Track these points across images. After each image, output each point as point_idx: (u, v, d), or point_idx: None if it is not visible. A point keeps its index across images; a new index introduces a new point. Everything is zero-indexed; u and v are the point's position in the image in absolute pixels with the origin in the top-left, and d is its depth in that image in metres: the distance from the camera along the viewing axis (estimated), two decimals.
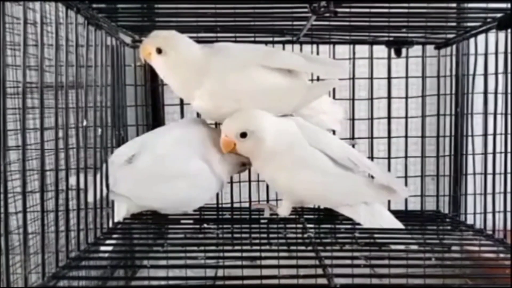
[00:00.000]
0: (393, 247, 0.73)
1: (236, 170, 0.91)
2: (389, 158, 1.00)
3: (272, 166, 0.81)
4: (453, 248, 0.73)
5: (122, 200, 0.82)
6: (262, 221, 0.86)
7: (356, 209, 0.82)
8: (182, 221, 0.85)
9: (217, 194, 0.98)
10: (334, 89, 1.00)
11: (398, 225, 0.82)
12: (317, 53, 1.00)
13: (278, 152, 0.79)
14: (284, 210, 0.86)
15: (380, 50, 0.99)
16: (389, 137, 1.00)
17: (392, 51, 0.98)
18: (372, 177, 0.83)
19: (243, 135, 0.79)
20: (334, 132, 0.97)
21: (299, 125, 0.83)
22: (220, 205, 0.99)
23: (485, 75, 0.85)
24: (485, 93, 0.85)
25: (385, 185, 0.81)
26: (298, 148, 0.80)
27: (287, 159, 0.80)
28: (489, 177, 0.82)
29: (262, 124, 0.79)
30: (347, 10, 0.74)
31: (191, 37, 0.96)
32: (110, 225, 0.81)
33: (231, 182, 1.00)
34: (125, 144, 0.88)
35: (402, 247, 0.74)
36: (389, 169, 0.99)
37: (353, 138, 1.01)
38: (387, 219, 0.83)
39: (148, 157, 0.82)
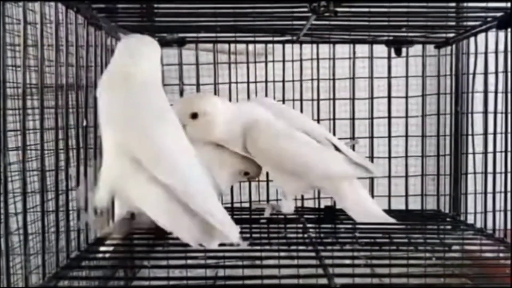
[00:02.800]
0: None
1: (238, 180, 0.90)
2: (389, 158, 1.00)
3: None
4: (454, 247, 0.73)
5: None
6: (262, 221, 0.86)
7: (342, 193, 0.83)
8: None
9: None
10: (334, 89, 1.00)
11: (383, 216, 0.83)
12: (317, 53, 1.00)
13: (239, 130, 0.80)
14: (287, 207, 0.85)
15: (380, 50, 0.99)
16: (389, 137, 1.00)
17: (392, 50, 0.98)
18: None
19: (194, 115, 0.77)
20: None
21: (270, 104, 0.85)
22: None
23: (485, 74, 0.85)
24: (485, 92, 0.85)
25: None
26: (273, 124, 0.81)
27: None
28: (490, 176, 0.82)
29: (214, 106, 0.79)
30: (347, 9, 0.74)
31: (191, 37, 0.97)
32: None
33: None
34: None
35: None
36: (389, 169, 0.99)
37: (353, 138, 1.01)
38: (371, 207, 0.84)
39: None
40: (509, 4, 0.71)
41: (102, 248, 0.72)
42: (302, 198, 1.00)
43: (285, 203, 0.86)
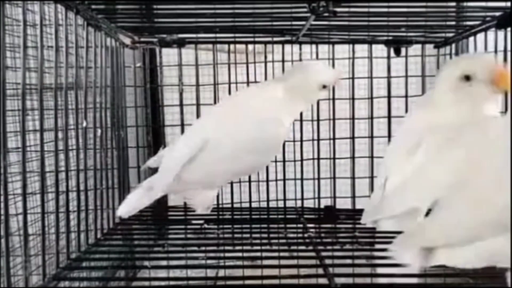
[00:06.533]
0: None
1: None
2: None
3: None
4: None
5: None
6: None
7: None
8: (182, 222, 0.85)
9: (217, 195, 0.98)
10: (334, 89, 1.00)
11: None
12: (317, 53, 1.00)
13: None
14: None
15: (380, 49, 0.99)
16: (389, 137, 1.00)
17: (392, 50, 0.98)
18: None
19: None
20: None
21: None
22: (220, 205, 0.99)
23: None
24: None
25: None
26: None
27: None
28: None
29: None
30: (346, 9, 0.74)
31: (190, 38, 0.97)
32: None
33: (231, 183, 1.00)
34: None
35: None
36: None
37: (353, 137, 1.01)
38: None
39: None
40: (508, 4, 0.71)
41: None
42: (302, 198, 1.00)
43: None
